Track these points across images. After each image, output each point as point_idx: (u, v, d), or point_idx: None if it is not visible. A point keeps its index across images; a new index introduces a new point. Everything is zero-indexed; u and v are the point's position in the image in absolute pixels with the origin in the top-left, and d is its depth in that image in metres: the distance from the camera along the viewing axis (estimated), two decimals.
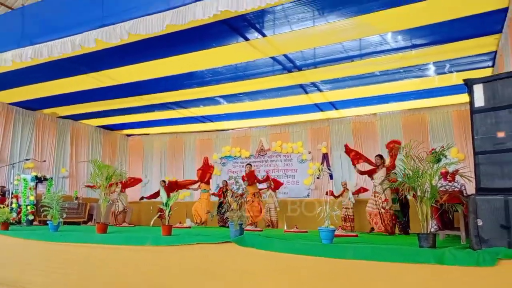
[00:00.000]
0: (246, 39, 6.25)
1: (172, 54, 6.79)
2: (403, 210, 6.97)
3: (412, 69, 7.37)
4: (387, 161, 7.28)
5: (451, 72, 7.37)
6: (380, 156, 7.45)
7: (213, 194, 10.52)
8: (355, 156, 7.74)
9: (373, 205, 7.11)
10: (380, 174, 7.13)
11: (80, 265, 4.62)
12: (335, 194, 9.47)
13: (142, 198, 11.09)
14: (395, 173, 6.75)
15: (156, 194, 10.42)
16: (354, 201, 9.15)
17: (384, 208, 6.84)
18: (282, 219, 9.26)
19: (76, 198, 10.21)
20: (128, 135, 13.89)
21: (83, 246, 4.70)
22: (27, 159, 9.77)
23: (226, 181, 10.06)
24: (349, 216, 9.05)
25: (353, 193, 9.28)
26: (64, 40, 5.64)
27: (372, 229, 7.29)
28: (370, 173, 7.43)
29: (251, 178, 9.10)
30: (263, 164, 11.94)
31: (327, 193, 8.52)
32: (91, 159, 6.32)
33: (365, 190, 9.33)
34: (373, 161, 7.37)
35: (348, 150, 7.92)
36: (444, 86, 8.15)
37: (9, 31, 6.39)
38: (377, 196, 7.03)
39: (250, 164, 9.74)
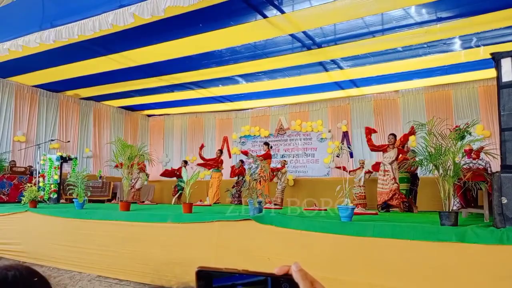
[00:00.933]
0: (265, 16, 6.15)
1: (190, 34, 6.75)
2: (411, 188, 7.10)
3: (436, 44, 7.10)
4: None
5: (478, 46, 7.08)
6: (394, 135, 7.34)
7: (232, 172, 10.46)
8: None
9: (381, 185, 7.10)
10: (391, 154, 7.06)
11: (103, 241, 4.79)
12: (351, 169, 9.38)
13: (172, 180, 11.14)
14: (413, 151, 6.72)
15: (172, 173, 10.56)
16: (363, 180, 8.92)
17: (394, 185, 6.90)
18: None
19: (100, 177, 10.50)
20: (149, 116, 14.07)
21: (107, 223, 4.86)
22: (52, 140, 10.07)
23: (242, 160, 10.07)
24: (361, 194, 8.90)
25: (365, 172, 9.09)
26: (95, 18, 5.59)
27: (381, 207, 7.21)
28: (383, 149, 7.41)
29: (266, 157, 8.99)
30: (283, 143, 11.92)
31: (341, 168, 8.53)
32: (115, 140, 6.42)
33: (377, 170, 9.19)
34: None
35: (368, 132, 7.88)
36: (470, 61, 7.85)
37: (30, 14, 6.46)
38: (386, 175, 7.01)
39: (267, 144, 9.38)
